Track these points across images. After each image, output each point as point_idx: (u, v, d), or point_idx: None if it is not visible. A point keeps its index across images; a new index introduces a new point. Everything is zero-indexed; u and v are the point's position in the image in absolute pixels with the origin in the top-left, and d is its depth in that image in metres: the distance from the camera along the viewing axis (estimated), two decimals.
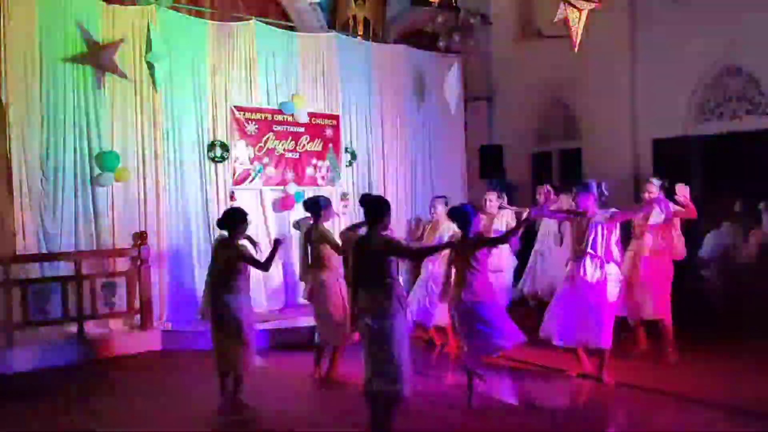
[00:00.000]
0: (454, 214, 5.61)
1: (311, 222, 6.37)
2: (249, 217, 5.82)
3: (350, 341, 5.94)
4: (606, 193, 6.08)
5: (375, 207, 4.70)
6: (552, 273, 8.38)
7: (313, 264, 6.23)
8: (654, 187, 6.57)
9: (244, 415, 5.42)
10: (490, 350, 5.49)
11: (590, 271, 5.87)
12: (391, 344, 4.47)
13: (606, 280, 5.88)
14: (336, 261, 6.21)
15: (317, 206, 6.29)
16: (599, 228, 5.87)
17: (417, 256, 5.08)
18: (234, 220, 5.58)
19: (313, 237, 6.25)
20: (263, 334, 7.45)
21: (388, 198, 9.87)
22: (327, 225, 6.40)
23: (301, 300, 7.82)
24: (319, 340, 6.31)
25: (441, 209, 7.34)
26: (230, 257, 5.49)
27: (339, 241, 6.27)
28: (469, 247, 5.35)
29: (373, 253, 4.58)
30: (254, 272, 5.87)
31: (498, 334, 5.36)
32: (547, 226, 8.71)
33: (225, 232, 5.64)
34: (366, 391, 4.57)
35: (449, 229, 6.94)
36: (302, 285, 6.86)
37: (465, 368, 5.54)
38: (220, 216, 5.80)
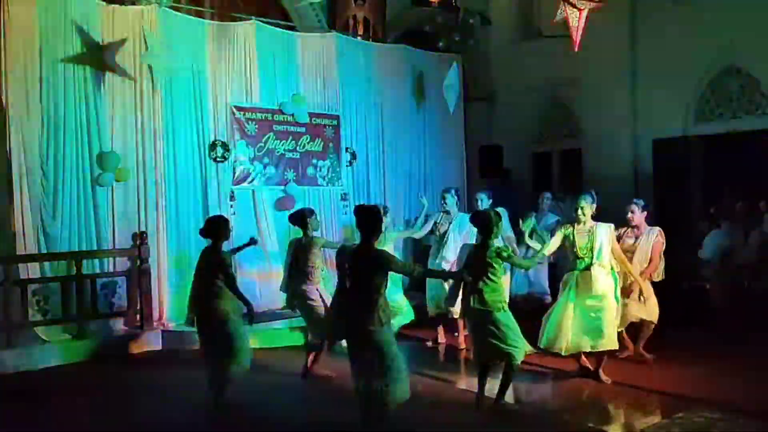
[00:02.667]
0: (474, 218, 5.56)
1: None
2: (231, 224, 5.89)
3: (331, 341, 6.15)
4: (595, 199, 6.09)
5: (369, 218, 4.72)
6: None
7: (298, 274, 6.31)
8: (636, 210, 6.50)
9: (231, 416, 5.42)
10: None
11: (601, 278, 5.86)
12: (382, 349, 4.51)
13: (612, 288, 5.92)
14: (319, 274, 6.33)
15: (303, 218, 6.38)
16: (605, 238, 5.89)
17: (415, 275, 5.05)
18: (218, 227, 5.59)
19: (300, 248, 6.33)
20: (263, 333, 7.49)
21: (388, 198, 9.99)
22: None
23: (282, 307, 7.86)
24: (311, 340, 6.46)
25: (451, 201, 7.55)
26: (215, 266, 5.47)
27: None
28: (489, 257, 5.24)
29: (367, 265, 4.61)
30: (252, 272, 5.88)
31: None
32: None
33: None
34: (360, 393, 4.58)
35: (461, 220, 7.29)
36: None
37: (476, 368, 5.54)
38: (203, 225, 5.78)
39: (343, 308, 4.71)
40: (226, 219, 5.84)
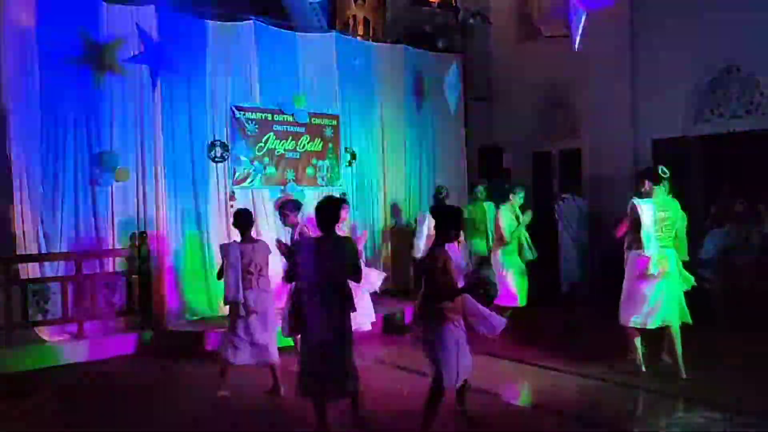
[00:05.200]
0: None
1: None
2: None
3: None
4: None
5: (330, 212, 4.80)
6: None
7: None
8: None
9: (231, 416, 5.44)
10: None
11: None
12: (350, 344, 4.71)
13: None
14: None
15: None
16: None
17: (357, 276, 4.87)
18: (247, 219, 5.92)
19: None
20: None
21: (388, 198, 10.00)
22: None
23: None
24: None
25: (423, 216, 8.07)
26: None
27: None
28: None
29: (338, 257, 4.69)
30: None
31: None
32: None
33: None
34: (327, 391, 4.67)
35: (426, 227, 7.82)
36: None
37: None
38: (235, 216, 6.00)
39: (313, 302, 4.68)
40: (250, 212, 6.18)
